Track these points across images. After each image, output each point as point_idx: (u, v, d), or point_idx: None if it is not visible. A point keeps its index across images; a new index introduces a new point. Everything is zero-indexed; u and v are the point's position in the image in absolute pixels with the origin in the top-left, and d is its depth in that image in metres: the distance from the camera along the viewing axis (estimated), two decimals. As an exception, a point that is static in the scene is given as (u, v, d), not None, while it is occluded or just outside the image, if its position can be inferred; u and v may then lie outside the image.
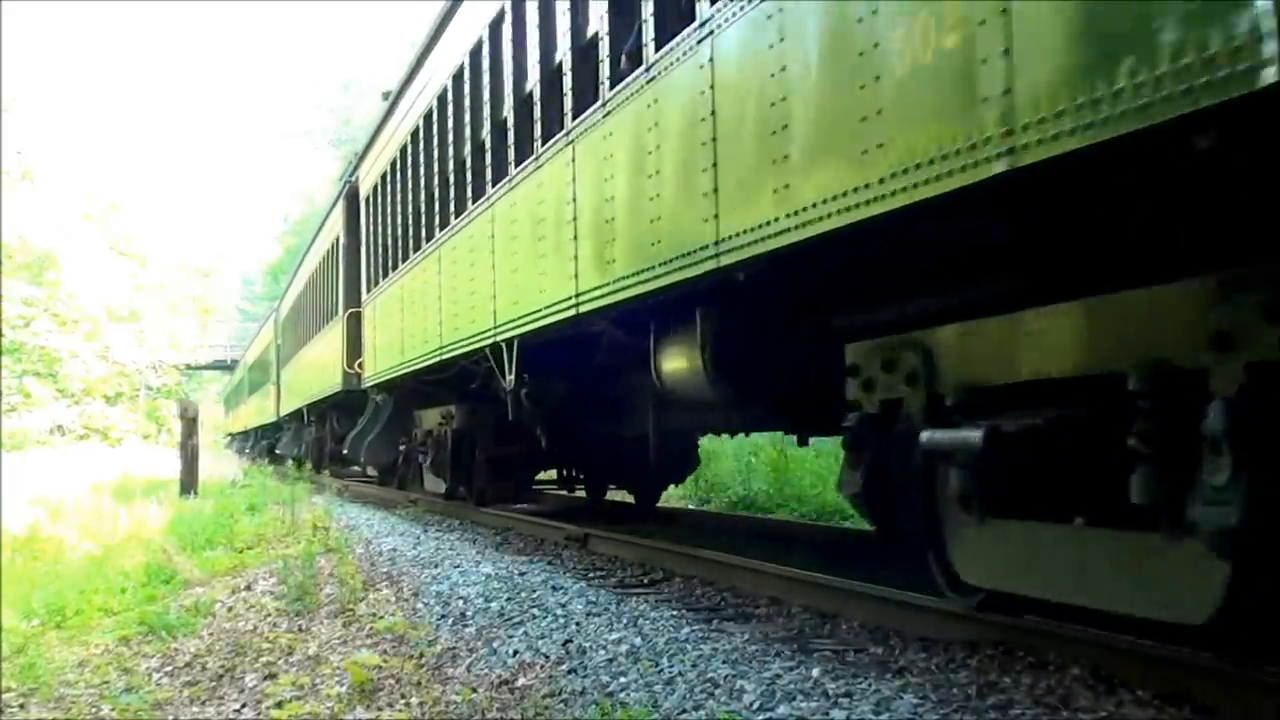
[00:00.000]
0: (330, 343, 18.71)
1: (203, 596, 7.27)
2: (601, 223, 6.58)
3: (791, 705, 3.69)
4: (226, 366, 63.54)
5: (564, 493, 13.33)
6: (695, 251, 5.28)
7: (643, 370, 7.23)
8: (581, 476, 12.50)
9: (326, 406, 21.19)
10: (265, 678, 5.00)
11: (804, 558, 6.80)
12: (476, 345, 9.32)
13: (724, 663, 4.30)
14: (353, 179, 17.64)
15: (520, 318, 8.14)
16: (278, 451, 33.33)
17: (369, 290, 15.46)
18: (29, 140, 36.90)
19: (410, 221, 12.50)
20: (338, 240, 18.49)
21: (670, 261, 5.57)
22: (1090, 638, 4.05)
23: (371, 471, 18.24)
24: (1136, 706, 3.53)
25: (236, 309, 76.37)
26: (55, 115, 41.55)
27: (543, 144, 7.75)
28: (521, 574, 7.03)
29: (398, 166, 13.37)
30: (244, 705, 4.61)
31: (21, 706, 4.82)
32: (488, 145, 9.33)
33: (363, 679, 4.60)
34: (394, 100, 13.72)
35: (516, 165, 8.37)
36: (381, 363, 14.06)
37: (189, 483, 16.57)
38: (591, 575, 7.34)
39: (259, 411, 37.22)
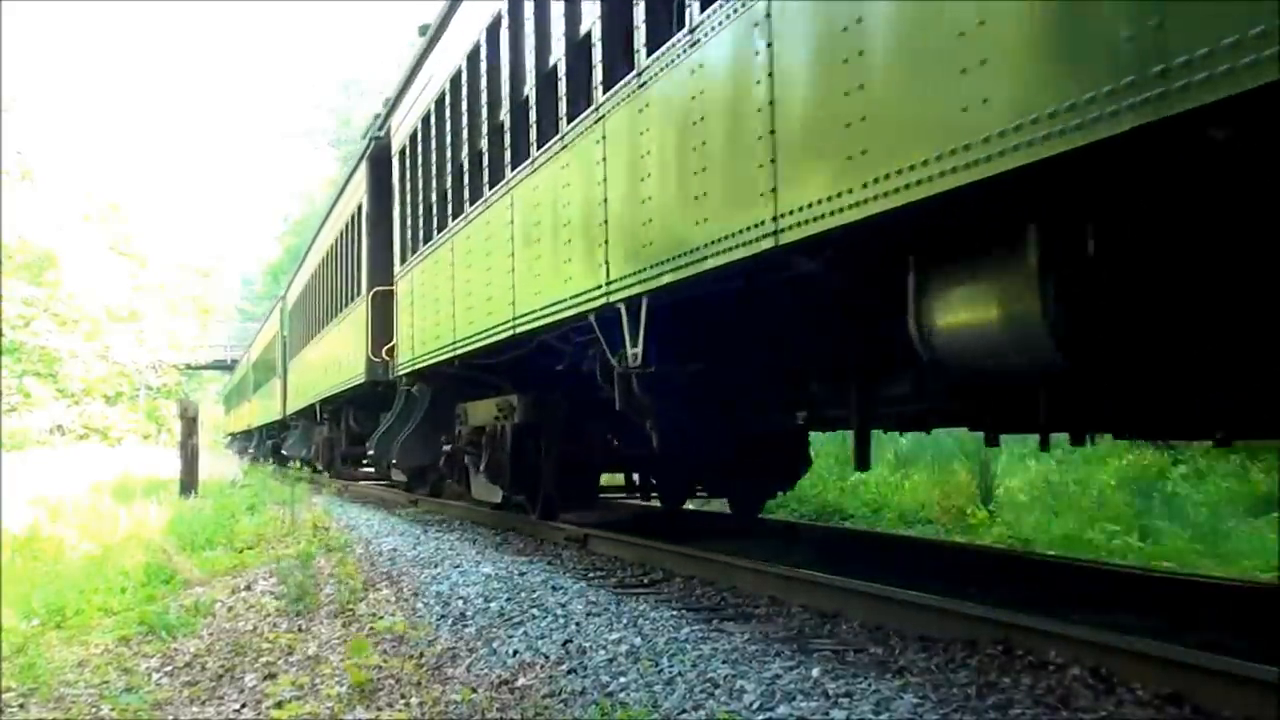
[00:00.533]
0: (351, 328, 16.67)
1: (203, 596, 7.28)
2: (836, 96, 4.24)
3: (791, 705, 3.68)
4: (226, 366, 63.52)
5: (636, 499, 11.53)
6: (1092, 102, 3.04)
7: (857, 329, 5.45)
8: (653, 480, 10.83)
9: (343, 402, 19.11)
10: (265, 678, 4.99)
11: (804, 558, 6.81)
12: (577, 309, 7.01)
13: (724, 663, 4.30)
14: (379, 135, 15.33)
15: (656, 265, 5.83)
16: (284, 452, 31.12)
17: (403, 261, 13.03)
18: (29, 140, 36.96)
19: (466, 166, 10.07)
20: (359, 210, 16.33)
21: (1022, 128, 3.29)
22: (1090, 638, 4.05)
23: (398, 476, 15.82)
24: (1136, 706, 3.53)
25: (236, 309, 76.37)
26: (55, 115, 41.64)
27: (702, 8, 5.41)
28: (521, 574, 7.03)
29: (446, 103, 10.85)
30: (244, 705, 4.61)
31: (21, 706, 4.82)
32: (595, 37, 6.86)
33: (362, 679, 4.61)
34: (437, 29, 11.40)
35: (649, 53, 5.97)
36: (421, 345, 11.76)
37: (189, 483, 16.58)
38: (591, 575, 7.34)
39: (264, 410, 35.25)
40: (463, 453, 11.80)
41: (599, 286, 6.56)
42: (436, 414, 12.76)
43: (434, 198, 11.45)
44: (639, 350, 6.26)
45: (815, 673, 4.05)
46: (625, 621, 5.31)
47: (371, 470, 21.97)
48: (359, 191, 16.46)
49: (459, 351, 10.12)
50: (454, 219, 10.40)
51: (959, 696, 3.73)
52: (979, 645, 4.39)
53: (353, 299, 16.81)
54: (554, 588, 6.41)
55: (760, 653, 4.48)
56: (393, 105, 14.37)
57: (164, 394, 43.41)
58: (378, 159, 15.26)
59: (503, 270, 8.58)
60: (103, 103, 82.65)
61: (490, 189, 9.10)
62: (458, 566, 7.68)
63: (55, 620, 6.79)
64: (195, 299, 50.06)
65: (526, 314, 7.99)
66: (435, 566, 7.84)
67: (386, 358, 14.24)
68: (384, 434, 14.07)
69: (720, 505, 11.54)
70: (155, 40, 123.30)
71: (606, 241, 6.46)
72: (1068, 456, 11.90)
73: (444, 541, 9.68)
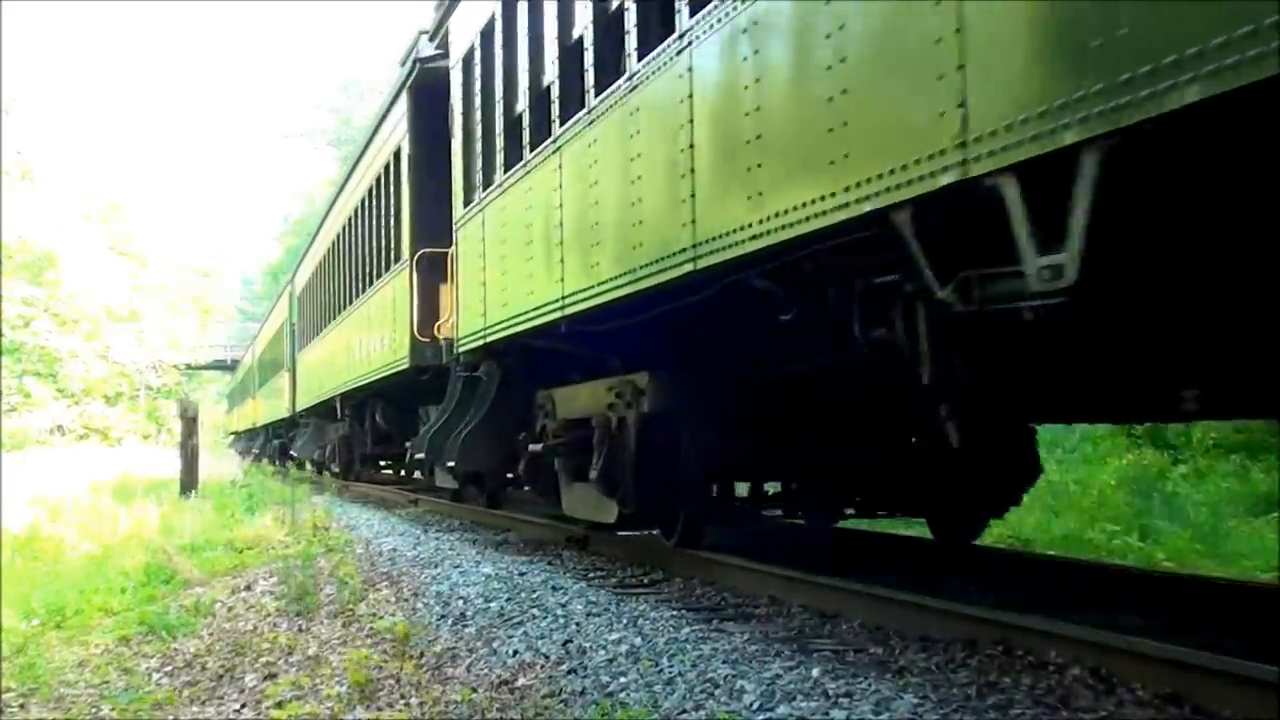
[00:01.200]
0: (387, 304, 13.69)
1: (203, 596, 7.28)
2: None
3: (791, 705, 3.68)
4: (226, 366, 63.50)
5: (779, 514, 8.27)
6: None
7: None
8: (795, 488, 7.90)
9: (369, 395, 16.18)
10: (265, 678, 5.00)
11: (804, 558, 6.80)
12: (874, 203, 3.97)
13: (724, 663, 4.30)
14: (424, 56, 11.99)
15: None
16: (293, 454, 27.51)
17: (468, 203, 9.84)
18: (29, 140, 37.02)
19: (590, 39, 6.85)
20: (397, 156, 13.28)
21: None
22: (1090, 638, 4.05)
23: (444, 482, 12.46)
24: (1136, 706, 3.54)
25: (236, 309, 76.41)
26: (55, 115, 41.69)
27: None
28: (521, 574, 7.03)
29: None
30: (244, 705, 4.61)
31: (21, 706, 4.82)
32: None
33: (362, 680, 4.61)
34: None
35: None
36: (501, 308, 8.73)
37: (189, 483, 16.58)
38: (591, 575, 7.33)
39: (269, 407, 32.30)
40: (552, 453, 8.68)
41: (941, 152, 3.62)
42: (506, 404, 9.76)
43: (523, 105, 8.23)
44: (1064, 259, 3.19)
45: (815, 673, 4.05)
46: (625, 621, 5.31)
47: (391, 473, 20.26)
48: (397, 132, 13.27)
49: (570, 310, 7.08)
50: (563, 124, 7.29)
51: (959, 696, 3.73)
52: (979, 645, 4.39)
53: (388, 268, 13.81)
54: (554, 588, 6.41)
55: (760, 653, 4.48)
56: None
57: (164, 394, 43.50)
58: (425, 86, 11.95)
59: (666, 178, 5.71)
60: (103, 103, 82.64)
61: (639, 62, 6.10)
62: (458, 566, 7.68)
63: (55, 620, 6.78)
64: (195, 299, 50.24)
65: (722, 235, 5.11)
66: (435, 566, 7.84)
67: (438, 335, 11.65)
68: (436, 430, 10.73)
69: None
70: (155, 40, 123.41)
71: (963, 87, 3.52)
72: (1068, 456, 11.90)
73: (444, 541, 9.68)
